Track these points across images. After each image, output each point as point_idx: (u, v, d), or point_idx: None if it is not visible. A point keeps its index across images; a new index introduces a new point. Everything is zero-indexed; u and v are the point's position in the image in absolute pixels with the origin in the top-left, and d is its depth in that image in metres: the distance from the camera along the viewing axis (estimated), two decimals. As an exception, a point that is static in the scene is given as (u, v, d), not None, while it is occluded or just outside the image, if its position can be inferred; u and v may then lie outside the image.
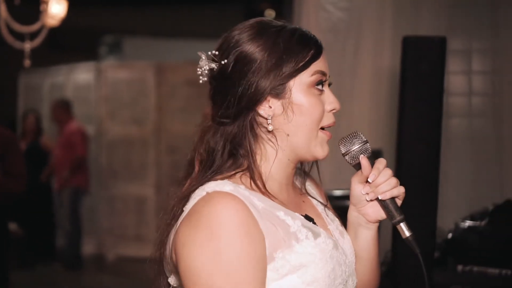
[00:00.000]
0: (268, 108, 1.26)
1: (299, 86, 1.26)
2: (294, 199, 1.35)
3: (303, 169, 1.43)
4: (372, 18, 4.06)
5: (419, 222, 2.30)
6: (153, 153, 7.50)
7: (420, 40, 2.35)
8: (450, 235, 2.96)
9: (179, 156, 7.01)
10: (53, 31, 4.76)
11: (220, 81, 1.28)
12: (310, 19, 4.07)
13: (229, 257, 1.15)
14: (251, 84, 1.24)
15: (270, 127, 1.26)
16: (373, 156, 1.34)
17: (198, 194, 1.22)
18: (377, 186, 1.29)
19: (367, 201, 1.33)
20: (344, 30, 4.06)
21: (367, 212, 1.35)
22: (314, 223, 1.30)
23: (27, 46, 4.35)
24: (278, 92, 1.25)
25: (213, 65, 1.28)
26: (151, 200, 7.44)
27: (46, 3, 4.40)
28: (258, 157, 1.28)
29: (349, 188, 1.38)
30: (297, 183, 1.41)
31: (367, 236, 1.38)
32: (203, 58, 1.30)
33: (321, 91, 1.29)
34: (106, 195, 7.56)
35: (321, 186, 1.49)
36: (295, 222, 1.24)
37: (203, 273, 1.16)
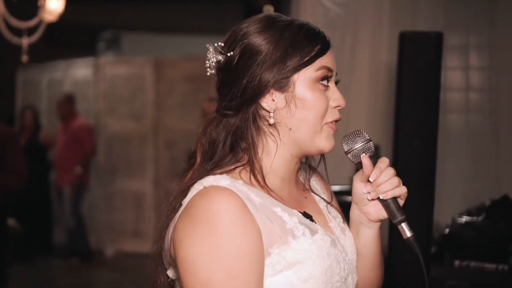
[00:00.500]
0: (271, 101, 1.26)
1: (304, 80, 1.25)
2: (296, 195, 1.35)
3: (309, 165, 1.42)
4: (370, 14, 4.06)
5: (416, 217, 2.31)
6: (151, 149, 7.50)
7: (417, 36, 2.35)
8: (447, 230, 2.97)
9: (177, 152, 7.02)
10: (51, 26, 4.75)
11: (226, 73, 1.28)
12: (308, 15, 4.07)
13: (228, 251, 1.15)
14: (255, 76, 1.24)
15: (271, 120, 1.26)
16: (375, 155, 1.33)
17: (196, 188, 1.23)
18: (379, 186, 1.29)
19: (369, 200, 1.33)
20: (341, 26, 4.06)
21: (368, 211, 1.35)
22: (312, 220, 1.30)
23: (25, 41, 4.35)
24: (282, 85, 1.25)
25: (220, 57, 1.28)
26: (149, 195, 7.44)
27: (44, -2, 4.39)
28: (259, 150, 1.28)
29: (347, 184, 1.38)
30: (301, 179, 1.41)
31: (369, 234, 1.38)
32: (211, 50, 1.30)
33: (326, 86, 1.28)
34: (105, 190, 7.56)
35: (327, 181, 1.48)
36: (291, 218, 1.24)
37: (201, 267, 1.16)
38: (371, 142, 1.32)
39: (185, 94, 7.35)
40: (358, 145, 1.30)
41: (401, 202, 1.31)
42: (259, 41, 1.25)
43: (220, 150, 1.28)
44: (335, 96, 1.29)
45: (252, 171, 1.27)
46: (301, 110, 1.25)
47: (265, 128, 1.28)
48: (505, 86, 3.86)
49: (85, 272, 6.81)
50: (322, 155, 1.38)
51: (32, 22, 4.44)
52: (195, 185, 1.24)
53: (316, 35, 1.28)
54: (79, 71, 7.90)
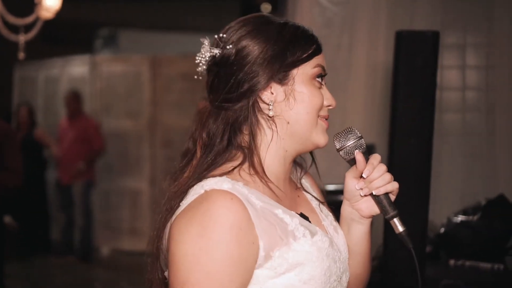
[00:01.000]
0: (270, 94, 1.28)
1: (302, 75, 1.29)
2: (290, 193, 1.36)
3: (299, 163, 1.44)
4: (367, 13, 4.06)
5: (411, 216, 2.31)
6: (148, 147, 7.49)
7: (414, 35, 2.35)
8: (442, 230, 2.97)
9: (174, 150, 7.01)
10: (48, 23, 4.74)
11: (223, 67, 1.29)
12: (305, 13, 4.07)
13: (212, 257, 1.16)
14: (255, 69, 1.27)
15: (271, 113, 1.27)
16: (367, 151, 1.35)
17: (197, 192, 1.23)
18: (371, 182, 1.30)
19: (361, 196, 1.34)
20: (338, 25, 4.06)
21: (360, 207, 1.37)
22: (309, 222, 1.31)
23: (22, 38, 4.34)
24: (281, 79, 1.28)
25: (216, 51, 1.30)
26: (146, 194, 7.44)
27: (41, -5, 4.38)
28: (258, 142, 1.30)
29: (342, 183, 1.39)
30: (293, 178, 1.42)
31: (360, 231, 1.40)
32: (206, 44, 1.31)
33: (321, 84, 1.33)
34: (101, 188, 7.55)
35: (316, 181, 1.50)
36: (293, 220, 1.25)
37: (183, 266, 1.17)
38: (362, 139, 1.34)
39: (182, 92, 7.34)
40: (350, 142, 1.32)
41: (392, 197, 1.33)
42: (258, 36, 1.28)
43: (218, 143, 1.29)
44: (327, 95, 1.34)
45: (252, 162, 1.28)
46: (299, 104, 1.28)
47: (263, 121, 1.29)
48: (502, 86, 3.87)
49: (82, 270, 6.81)
50: (313, 156, 1.41)
51: (29, 19, 4.43)
52: (195, 187, 1.24)
53: (312, 36, 1.33)
54: (75, 69, 7.89)
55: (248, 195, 1.22)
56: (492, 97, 3.91)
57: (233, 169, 1.27)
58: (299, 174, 1.44)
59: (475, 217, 2.95)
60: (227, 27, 1.33)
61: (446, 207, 3.45)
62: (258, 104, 1.28)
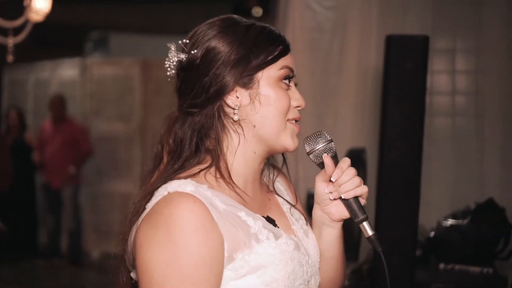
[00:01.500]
0: (235, 98, 1.28)
1: (267, 78, 1.28)
2: (259, 196, 1.36)
3: (273, 164, 1.45)
4: (358, 17, 4.07)
5: (401, 220, 2.32)
6: (138, 150, 7.47)
7: (404, 39, 2.36)
8: (432, 234, 2.98)
9: (165, 153, 6.99)
10: (38, 26, 4.72)
11: (189, 71, 1.29)
12: (296, 17, 4.07)
13: (184, 260, 1.16)
14: (220, 73, 1.26)
15: (236, 117, 1.27)
16: (337, 155, 1.35)
17: (161, 193, 1.23)
18: (340, 185, 1.31)
19: (331, 200, 1.35)
20: (329, 29, 4.06)
21: (330, 211, 1.37)
22: (275, 225, 1.31)
23: (10, 41, 4.31)
24: (246, 82, 1.27)
25: (182, 56, 1.30)
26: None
27: (30, -2, 4.36)
28: (224, 147, 1.29)
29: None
30: (265, 180, 1.42)
31: (331, 234, 1.40)
32: (172, 49, 1.32)
33: (288, 86, 1.32)
34: (91, 192, 7.52)
35: (291, 182, 1.50)
36: (256, 223, 1.25)
37: (157, 273, 1.16)
38: (332, 143, 1.34)
39: (173, 95, 7.29)
40: (320, 146, 1.33)
41: (362, 201, 1.33)
42: (223, 40, 1.28)
43: (186, 149, 1.29)
44: (296, 96, 1.33)
45: (218, 168, 1.28)
46: (265, 107, 1.28)
47: (229, 125, 1.29)
48: (491, 90, 3.89)
49: (71, 273, 6.77)
50: (284, 157, 1.41)
51: (18, 22, 4.40)
52: (160, 189, 1.24)
53: (278, 36, 1.32)
54: (66, 72, 7.86)
55: (211, 198, 1.22)
56: (481, 102, 3.93)
57: (199, 172, 1.27)
58: (272, 176, 1.44)
59: (465, 221, 2.96)
60: (194, 30, 1.33)
61: (436, 211, 3.45)
62: (224, 108, 1.28)
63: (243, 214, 1.25)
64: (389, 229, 2.27)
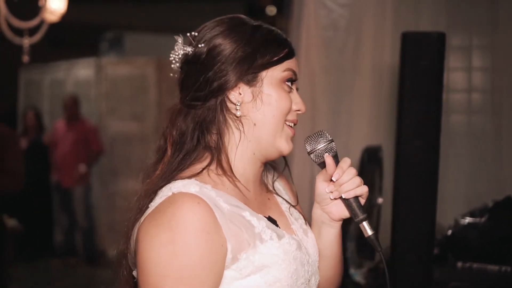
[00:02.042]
0: (238, 95, 1.29)
1: (271, 78, 1.30)
2: (260, 196, 1.37)
3: (273, 165, 1.46)
4: (373, 15, 4.06)
5: (418, 218, 2.30)
6: (153, 150, 7.49)
7: (420, 36, 2.34)
8: (449, 232, 2.96)
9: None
10: (54, 26, 4.75)
11: (193, 65, 1.31)
12: (311, 15, 4.06)
13: (183, 261, 1.16)
14: (224, 69, 1.28)
15: (238, 113, 1.29)
16: (338, 155, 1.36)
17: (165, 194, 1.23)
18: (341, 185, 1.32)
19: (331, 199, 1.36)
20: (344, 27, 4.05)
21: (330, 210, 1.38)
22: (277, 225, 1.32)
23: (26, 42, 4.33)
24: (250, 80, 1.29)
25: (189, 49, 1.32)
26: (151, 196, 7.43)
27: (46, -2, 4.38)
28: (226, 140, 1.31)
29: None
30: (265, 180, 1.44)
31: (331, 234, 1.41)
32: (179, 42, 1.34)
33: (291, 89, 1.34)
34: (107, 191, 7.56)
35: (291, 183, 1.51)
36: (260, 222, 1.26)
37: (155, 271, 1.17)
38: (333, 143, 1.35)
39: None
40: (321, 146, 1.34)
41: (362, 201, 1.34)
42: (230, 36, 1.30)
43: (188, 142, 1.30)
44: (297, 100, 1.35)
45: (219, 161, 1.29)
46: (266, 106, 1.30)
47: (230, 121, 1.30)
48: (508, 87, 3.86)
49: (87, 272, 6.81)
50: (285, 159, 1.42)
51: (33, 22, 4.42)
52: (164, 189, 1.25)
53: (284, 40, 1.34)
54: (81, 72, 7.90)
55: (215, 198, 1.23)
56: (498, 99, 3.90)
57: (201, 171, 1.28)
58: (272, 177, 1.45)
59: (483, 219, 2.94)
60: (202, 26, 1.34)
61: (453, 209, 3.44)
62: (226, 103, 1.29)
63: (247, 214, 1.26)
64: (406, 227, 2.26)
